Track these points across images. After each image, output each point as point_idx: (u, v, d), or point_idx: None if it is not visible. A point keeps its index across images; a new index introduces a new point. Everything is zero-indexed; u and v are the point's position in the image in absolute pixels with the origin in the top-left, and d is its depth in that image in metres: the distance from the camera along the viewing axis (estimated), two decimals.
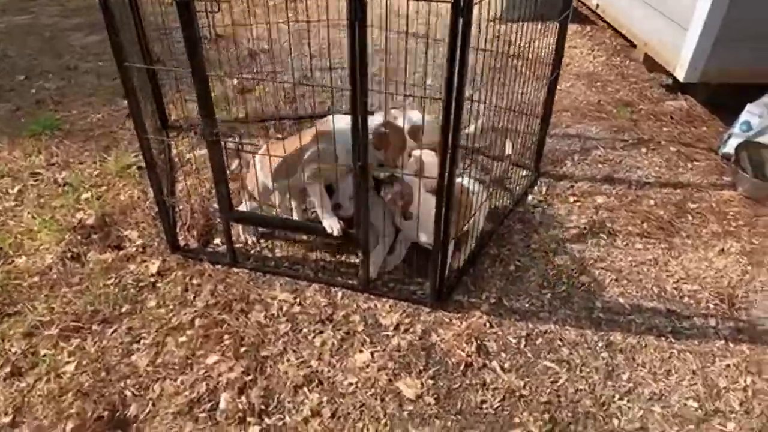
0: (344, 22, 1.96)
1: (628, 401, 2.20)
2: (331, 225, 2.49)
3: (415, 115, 3.13)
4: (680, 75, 4.00)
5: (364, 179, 2.27)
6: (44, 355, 2.31)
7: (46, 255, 2.80)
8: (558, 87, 3.37)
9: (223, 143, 2.42)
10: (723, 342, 2.44)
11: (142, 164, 3.46)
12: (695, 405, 2.19)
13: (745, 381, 2.28)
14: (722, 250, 2.93)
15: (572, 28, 5.40)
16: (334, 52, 4.45)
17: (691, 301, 2.64)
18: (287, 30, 3.47)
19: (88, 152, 3.65)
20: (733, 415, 2.16)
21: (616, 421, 2.13)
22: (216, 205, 3.07)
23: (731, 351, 2.40)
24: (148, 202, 3.17)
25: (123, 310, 2.52)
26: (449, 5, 1.83)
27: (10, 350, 2.32)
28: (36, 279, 2.67)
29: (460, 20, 1.84)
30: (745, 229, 3.08)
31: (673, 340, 2.44)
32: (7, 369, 2.24)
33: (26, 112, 4.11)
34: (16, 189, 3.28)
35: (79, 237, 2.90)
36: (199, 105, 2.32)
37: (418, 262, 2.68)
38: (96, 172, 3.44)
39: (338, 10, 3.36)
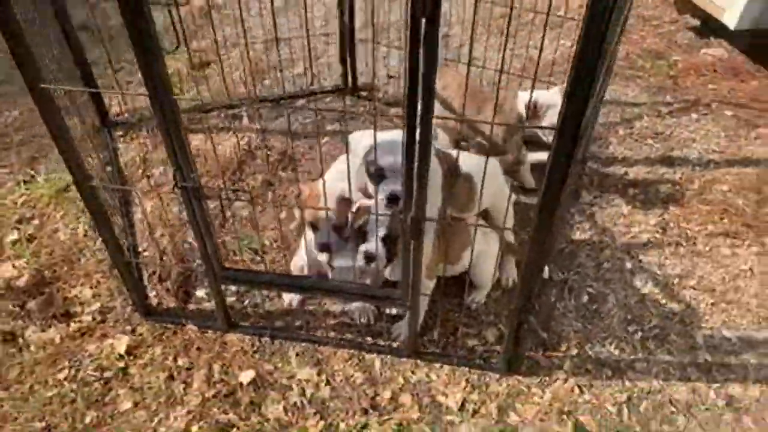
0: None
1: None
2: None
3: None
4: (731, 22, 3.36)
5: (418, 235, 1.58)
6: None
7: None
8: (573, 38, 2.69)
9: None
10: None
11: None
12: None
13: None
14: None
15: None
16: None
17: None
18: None
19: (7, 168, 2.78)
20: None
21: None
22: (193, 241, 2.35)
23: None
24: (98, 242, 2.39)
25: (87, 420, 1.83)
26: None
27: None
28: None
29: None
30: None
31: None
32: None
33: None
34: None
35: (10, 306, 2.13)
36: (168, 153, 1.55)
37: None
38: (21, 200, 2.61)
39: None
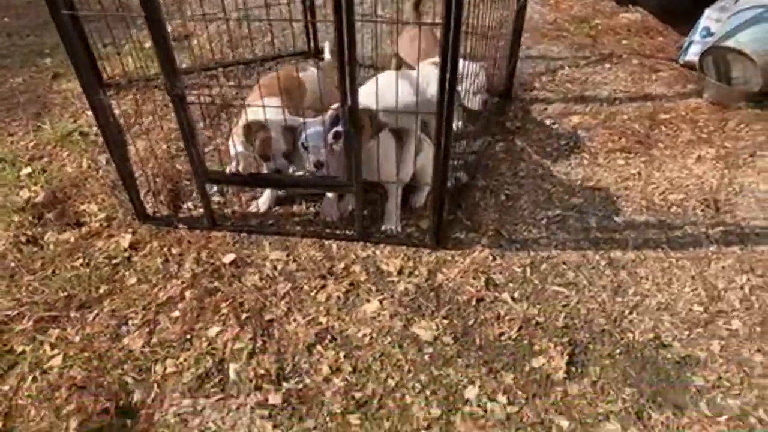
0: None
1: (638, 314, 2.24)
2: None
3: None
4: None
5: (354, 123, 2.09)
6: (22, 352, 2.07)
7: None
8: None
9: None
10: (715, 246, 2.51)
11: (84, 130, 3.16)
12: (700, 309, 2.25)
13: (741, 280, 2.36)
14: (699, 157, 2.99)
15: None
16: None
17: (679, 210, 2.69)
18: None
19: (16, 122, 3.23)
20: (736, 313, 2.24)
21: (630, 335, 2.16)
22: (180, 167, 2.83)
23: (724, 253, 2.48)
24: (100, 171, 2.87)
25: (101, 291, 2.29)
26: None
27: None
28: None
29: None
30: (716, 134, 3.14)
31: (669, 250, 2.49)
32: None
33: None
34: None
35: (30, 218, 2.58)
36: (157, 56, 2.04)
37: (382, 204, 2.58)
38: (31, 144, 3.06)
39: None
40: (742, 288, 2.33)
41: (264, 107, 2.20)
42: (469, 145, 3.01)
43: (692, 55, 3.57)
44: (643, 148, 3.05)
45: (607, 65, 3.78)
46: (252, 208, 2.66)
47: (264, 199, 2.65)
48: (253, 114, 2.31)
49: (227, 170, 2.41)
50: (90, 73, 2.17)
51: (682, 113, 3.30)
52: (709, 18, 3.59)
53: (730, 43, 3.21)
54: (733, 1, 3.54)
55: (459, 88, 2.72)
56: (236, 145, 2.45)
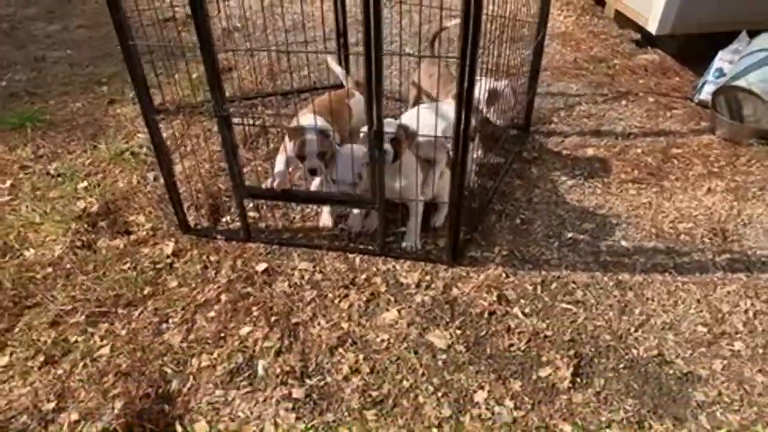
0: None
1: (643, 332, 2.36)
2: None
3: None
4: (652, 28, 4.15)
5: (379, 146, 2.32)
6: (75, 342, 2.30)
7: (54, 246, 2.76)
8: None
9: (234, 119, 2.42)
10: (721, 272, 2.62)
11: (135, 150, 3.46)
12: (704, 329, 2.36)
13: (745, 304, 2.46)
14: (709, 189, 3.12)
15: None
16: (308, 26, 4.43)
17: (688, 238, 2.81)
18: (260, 7, 3.44)
19: (75, 142, 3.57)
20: (739, 335, 2.34)
21: (634, 351, 2.28)
22: (221, 185, 3.09)
23: (729, 279, 2.59)
24: (148, 187, 3.14)
25: (145, 292, 2.53)
26: None
27: (38, 340, 2.30)
28: (49, 270, 2.63)
29: None
30: (727, 168, 3.27)
31: (676, 275, 2.61)
32: (41, 358, 2.23)
33: (0, 106, 3.96)
34: (8, 183, 3.19)
35: (85, 225, 2.86)
36: (208, 81, 2.31)
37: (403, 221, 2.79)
38: (88, 161, 3.37)
39: None
40: (746, 312, 2.44)
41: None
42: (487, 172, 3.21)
43: (706, 94, 3.73)
44: (655, 180, 3.20)
45: (624, 102, 3.96)
46: (272, 184, 2.85)
47: (326, 217, 2.88)
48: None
49: (264, 185, 2.66)
50: (148, 97, 2.43)
51: (694, 148, 3.45)
52: (722, 59, 3.77)
53: (740, 83, 3.37)
54: (745, 44, 3.71)
55: (487, 107, 2.94)
56: (278, 164, 2.72)
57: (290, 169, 2.87)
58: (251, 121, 3.15)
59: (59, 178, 3.23)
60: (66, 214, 2.94)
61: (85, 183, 3.18)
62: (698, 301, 2.49)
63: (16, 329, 2.36)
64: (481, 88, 2.84)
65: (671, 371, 2.21)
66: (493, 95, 2.94)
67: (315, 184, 2.88)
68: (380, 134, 2.28)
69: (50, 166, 3.33)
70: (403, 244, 2.74)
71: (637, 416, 2.06)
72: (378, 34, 2.04)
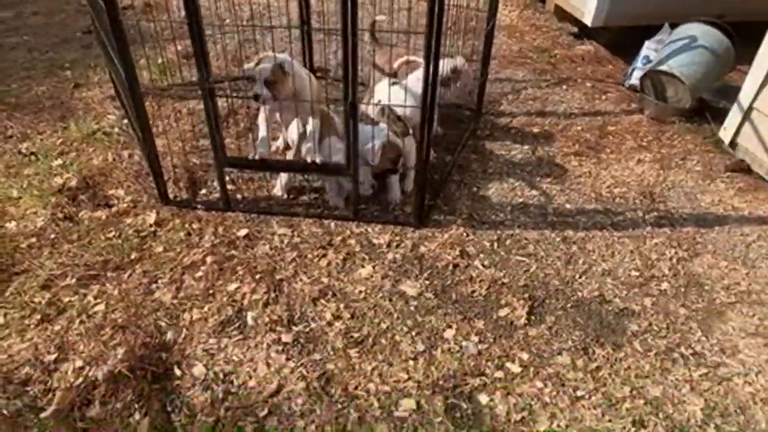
0: None
1: (586, 278, 2.71)
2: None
3: None
4: (588, 21, 4.58)
5: (354, 116, 2.56)
6: (69, 302, 2.42)
7: (35, 218, 2.85)
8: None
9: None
10: (650, 228, 3.02)
11: (107, 130, 3.57)
12: (636, 273, 2.74)
13: (670, 252, 2.86)
14: (639, 160, 3.53)
15: None
16: (273, 15, 4.61)
17: (622, 200, 3.20)
18: None
19: (43, 123, 3.62)
20: (665, 277, 2.73)
21: (579, 293, 2.63)
22: (195, 160, 3.25)
23: (657, 233, 2.98)
24: (124, 164, 3.26)
25: (132, 257, 2.67)
26: None
27: (32, 302, 2.41)
28: (33, 240, 2.72)
29: None
30: (654, 142, 3.71)
31: (612, 231, 2.99)
32: (37, 317, 2.34)
33: None
34: None
35: (65, 199, 2.95)
36: (195, 57, 2.49)
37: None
38: (59, 141, 3.44)
39: None
40: (671, 259, 2.83)
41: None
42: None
43: (635, 79, 4.18)
44: (593, 153, 3.59)
45: (564, 87, 4.36)
46: (255, 155, 3.03)
47: (278, 187, 3.07)
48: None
49: (250, 156, 2.86)
50: (135, 73, 2.58)
51: (626, 126, 3.87)
52: (648, 48, 4.22)
53: (663, 67, 3.82)
54: (668, 35, 4.18)
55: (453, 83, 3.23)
56: (260, 132, 3.00)
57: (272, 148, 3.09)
58: (235, 96, 3.32)
59: (32, 157, 3.29)
60: (44, 189, 3.02)
61: (60, 161, 3.26)
62: (631, 251, 2.87)
63: (7, 293, 2.46)
64: (444, 66, 3.13)
65: (610, 308, 2.57)
66: (456, 73, 3.24)
67: (305, 149, 3.05)
68: (355, 106, 2.52)
69: (21, 146, 3.38)
70: (390, 198, 3.00)
71: (583, 344, 2.39)
72: (354, 17, 2.28)
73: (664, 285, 2.69)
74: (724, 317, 2.55)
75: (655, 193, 3.25)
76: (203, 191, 3.10)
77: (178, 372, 2.19)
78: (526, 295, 2.59)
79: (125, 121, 3.60)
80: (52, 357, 2.19)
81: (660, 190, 3.29)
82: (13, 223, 2.82)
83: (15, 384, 2.11)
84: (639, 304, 2.59)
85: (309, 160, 2.83)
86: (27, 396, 2.08)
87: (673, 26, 4.20)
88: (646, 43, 4.27)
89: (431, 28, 2.31)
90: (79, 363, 2.16)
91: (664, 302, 2.61)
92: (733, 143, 3.57)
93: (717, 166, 3.49)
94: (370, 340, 2.36)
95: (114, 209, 2.93)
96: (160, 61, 4.15)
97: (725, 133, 3.59)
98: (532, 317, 2.50)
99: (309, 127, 2.87)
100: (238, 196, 3.07)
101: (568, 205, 3.15)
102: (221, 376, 2.20)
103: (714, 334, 2.47)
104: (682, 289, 2.68)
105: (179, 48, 4.37)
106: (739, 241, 2.95)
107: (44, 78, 4.12)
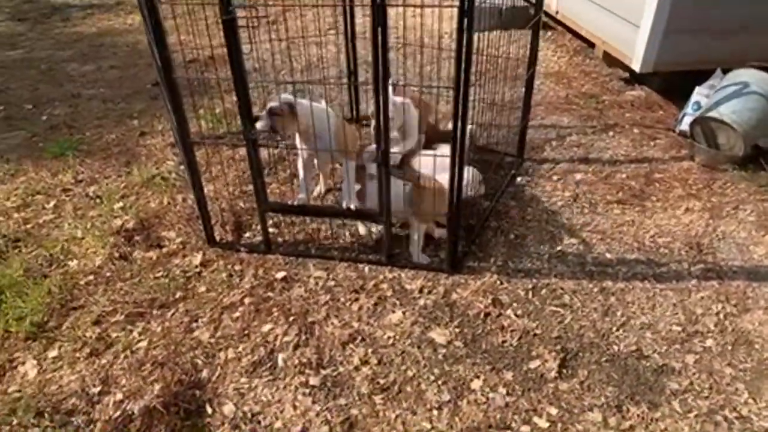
0: (325, 38, 2.35)
1: (623, 331, 2.62)
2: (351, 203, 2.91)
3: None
4: (636, 67, 4.53)
5: (386, 163, 2.65)
6: (116, 337, 2.59)
7: (95, 257, 3.08)
8: None
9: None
10: (696, 280, 2.90)
11: (165, 175, 3.82)
12: (679, 328, 2.62)
13: (717, 307, 2.73)
14: (687, 208, 3.42)
15: None
16: (321, 67, 4.86)
17: (666, 251, 3.10)
18: (277, 49, 3.85)
19: (110, 168, 3.94)
20: (710, 333, 2.60)
21: (616, 347, 2.54)
22: (242, 205, 3.43)
23: (703, 286, 2.86)
24: (178, 207, 3.48)
25: (177, 296, 2.83)
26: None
27: (84, 335, 2.60)
28: (91, 278, 2.94)
29: (465, 19, 2.26)
30: (704, 191, 3.58)
31: (655, 282, 2.89)
32: (87, 351, 2.52)
33: (43, 138, 4.36)
34: (51, 204, 3.54)
35: (122, 240, 3.18)
36: (239, 110, 2.67)
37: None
38: (123, 185, 3.73)
39: (318, 28, 3.81)
40: (717, 314, 2.70)
41: None
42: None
43: (685, 125, 4.08)
44: (638, 201, 3.50)
45: (611, 133, 4.31)
46: (295, 201, 3.19)
47: (302, 196, 3.22)
48: None
49: (290, 202, 3.01)
50: (186, 124, 2.79)
51: (675, 173, 3.77)
52: (699, 93, 4.12)
53: (713, 114, 3.72)
54: (719, 80, 4.08)
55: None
56: (301, 179, 3.19)
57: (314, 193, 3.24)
58: (275, 145, 3.52)
59: (97, 200, 3.58)
60: (105, 230, 3.27)
61: (121, 203, 3.53)
62: (674, 305, 2.76)
63: (63, 327, 2.66)
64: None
65: (648, 364, 2.46)
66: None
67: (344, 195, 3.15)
68: (387, 153, 2.62)
69: (89, 189, 3.69)
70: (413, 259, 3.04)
71: (616, 401, 2.31)
72: (385, 71, 2.40)
73: (709, 342, 2.56)
74: None
75: (702, 244, 3.12)
76: (247, 234, 3.26)
77: (209, 410, 2.29)
78: (559, 347, 2.53)
79: (182, 167, 3.86)
80: (97, 390, 2.35)
81: (708, 240, 3.16)
82: (75, 261, 3.06)
83: (62, 414, 2.26)
84: (680, 362, 2.48)
85: (344, 205, 2.93)
86: (71, 425, 2.22)
87: (726, 71, 4.10)
88: (697, 89, 4.17)
89: (458, 79, 2.38)
90: (119, 396, 2.30)
91: (708, 360, 2.48)
92: None
93: None
94: (396, 387, 2.37)
95: (165, 250, 3.13)
96: (218, 110, 4.45)
97: None
98: (564, 370, 2.44)
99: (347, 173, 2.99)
100: (279, 239, 3.21)
101: (608, 255, 3.08)
102: (249, 416, 2.27)
103: (763, 397, 2.31)
104: (729, 347, 2.54)
105: (235, 99, 4.66)
106: None
107: (114, 126, 4.50)
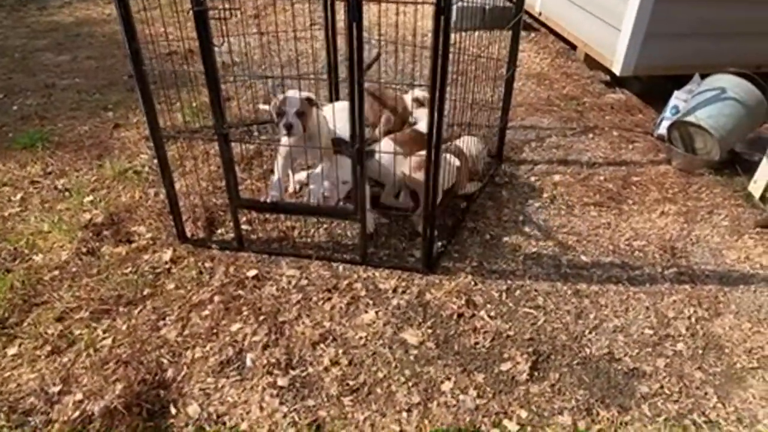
0: (309, 34, 2.31)
1: (596, 334, 2.61)
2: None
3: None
4: (617, 70, 4.55)
5: (361, 161, 2.61)
6: (80, 334, 2.52)
7: (61, 252, 2.99)
8: None
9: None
10: (669, 284, 2.90)
11: (138, 169, 3.74)
12: (650, 332, 2.62)
13: (688, 311, 2.73)
14: (663, 212, 3.43)
15: None
16: (302, 62, 4.81)
17: (641, 254, 3.10)
18: (258, 43, 3.78)
19: (81, 161, 3.84)
20: (681, 337, 2.60)
21: (588, 350, 2.53)
22: (216, 201, 3.37)
23: (676, 290, 2.86)
24: (149, 202, 3.40)
25: (145, 293, 2.76)
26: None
27: (46, 332, 2.52)
28: (56, 273, 2.86)
29: (442, 17, 2.23)
30: (680, 195, 3.60)
31: (628, 285, 2.89)
32: (48, 348, 2.44)
33: (12, 128, 4.23)
34: (18, 196, 3.44)
35: (90, 234, 3.10)
36: (211, 104, 2.61)
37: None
38: (94, 178, 3.64)
39: (303, 24, 3.75)
40: (689, 318, 2.71)
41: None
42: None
43: (663, 129, 4.10)
44: (615, 204, 3.51)
45: (590, 135, 4.31)
46: (267, 199, 3.09)
47: (275, 193, 3.13)
48: None
49: (262, 199, 2.95)
50: (155, 116, 2.72)
51: (652, 177, 3.78)
52: (677, 98, 4.15)
53: (690, 118, 3.73)
54: (697, 85, 4.10)
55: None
56: (274, 176, 3.09)
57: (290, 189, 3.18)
58: (248, 141, 3.45)
59: (66, 193, 3.48)
60: (72, 224, 3.19)
61: (91, 197, 3.44)
62: (647, 308, 2.76)
63: (25, 323, 2.58)
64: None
65: (619, 367, 2.46)
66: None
67: (312, 190, 3.11)
68: (362, 151, 2.58)
69: (58, 182, 3.59)
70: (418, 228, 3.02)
71: (587, 404, 2.30)
72: (360, 65, 2.36)
73: (680, 345, 2.57)
74: (743, 383, 2.40)
75: (676, 248, 3.13)
76: (220, 231, 3.20)
77: (173, 410, 2.23)
78: (531, 350, 2.52)
79: (155, 160, 3.78)
80: (57, 389, 2.27)
81: (682, 244, 3.17)
82: (40, 255, 2.97)
83: (19, 413, 2.19)
84: (651, 365, 2.48)
85: (316, 203, 2.89)
86: (28, 426, 2.15)
87: (704, 77, 4.13)
88: (676, 93, 4.20)
89: (434, 74, 2.35)
90: (79, 396, 2.23)
91: (679, 364, 2.48)
92: (763, 197, 3.42)
93: (746, 221, 3.35)
94: (366, 388, 2.33)
95: (134, 245, 3.05)
96: (194, 104, 4.36)
97: (755, 187, 3.46)
98: (535, 373, 2.42)
99: (317, 170, 2.94)
100: (253, 237, 3.15)
101: (583, 257, 3.08)
102: (215, 416, 2.22)
103: (732, 402, 2.32)
104: (700, 351, 2.55)
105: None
106: (766, 302, 2.79)
107: (88, 118, 4.39)
